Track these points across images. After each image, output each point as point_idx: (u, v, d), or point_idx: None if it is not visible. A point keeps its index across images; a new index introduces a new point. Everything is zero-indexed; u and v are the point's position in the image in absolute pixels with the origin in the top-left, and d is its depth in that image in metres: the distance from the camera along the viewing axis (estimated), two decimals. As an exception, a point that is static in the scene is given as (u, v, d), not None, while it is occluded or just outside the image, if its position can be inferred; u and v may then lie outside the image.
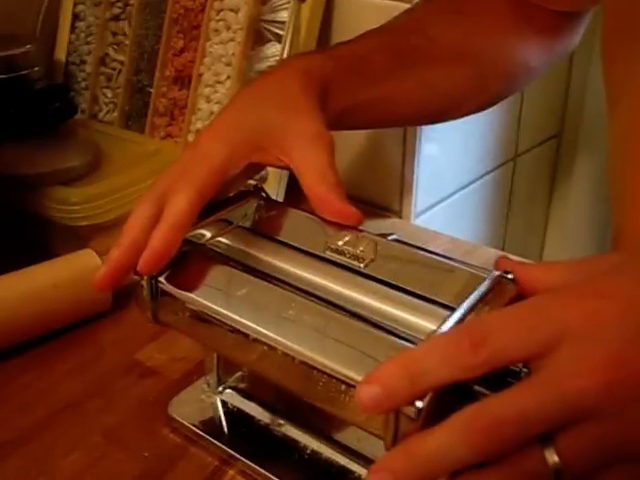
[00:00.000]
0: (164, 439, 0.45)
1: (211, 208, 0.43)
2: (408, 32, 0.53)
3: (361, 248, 0.39)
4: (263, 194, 0.45)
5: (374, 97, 0.50)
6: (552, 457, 0.28)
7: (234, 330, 0.36)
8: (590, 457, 0.28)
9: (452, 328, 0.31)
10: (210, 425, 0.44)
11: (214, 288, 0.38)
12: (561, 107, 0.89)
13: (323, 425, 0.43)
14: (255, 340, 0.35)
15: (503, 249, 0.87)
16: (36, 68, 0.74)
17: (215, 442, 0.43)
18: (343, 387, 0.32)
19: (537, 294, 0.34)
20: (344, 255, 0.39)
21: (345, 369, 0.32)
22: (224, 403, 0.46)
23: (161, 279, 0.39)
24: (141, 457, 0.43)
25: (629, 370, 0.28)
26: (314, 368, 0.33)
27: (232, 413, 0.45)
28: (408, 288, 0.36)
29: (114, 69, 0.78)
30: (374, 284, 0.37)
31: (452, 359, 0.29)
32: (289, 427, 0.43)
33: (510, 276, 0.35)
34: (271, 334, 0.34)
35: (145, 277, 0.39)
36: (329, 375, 0.32)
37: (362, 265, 0.38)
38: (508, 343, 0.29)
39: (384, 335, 0.33)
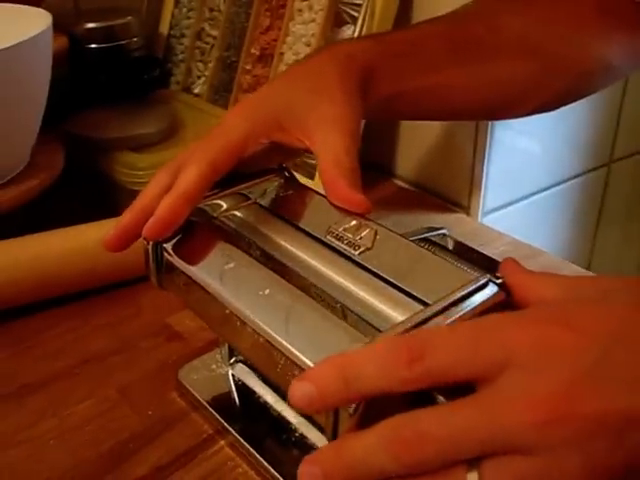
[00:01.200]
0: (170, 402, 0.46)
1: (235, 181, 0.44)
2: (469, 21, 0.51)
3: (360, 236, 0.38)
4: (287, 173, 0.45)
5: (425, 85, 0.48)
6: None
7: (215, 303, 0.36)
8: None
9: (397, 335, 0.30)
10: (212, 395, 0.45)
11: (209, 261, 0.39)
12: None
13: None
14: (231, 314, 0.35)
15: (589, 266, 0.81)
16: (135, 39, 0.78)
17: (212, 412, 0.44)
18: (297, 372, 0.32)
19: (528, 306, 0.32)
20: (342, 241, 0.38)
21: (300, 353, 0.32)
22: (231, 376, 0.47)
23: (166, 246, 0.40)
24: (145, 415, 0.45)
25: (570, 411, 0.26)
26: (275, 348, 0.33)
27: (236, 386, 0.46)
28: (392, 280, 0.35)
29: (207, 43, 0.80)
30: (361, 272, 0.36)
31: (387, 369, 0.28)
32: (285, 407, 0.43)
33: (499, 281, 0.34)
34: (242, 309, 0.35)
35: (150, 243, 0.40)
36: (286, 357, 0.32)
37: (356, 252, 0.37)
38: (447, 362, 0.28)
39: (349, 326, 0.33)
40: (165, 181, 0.41)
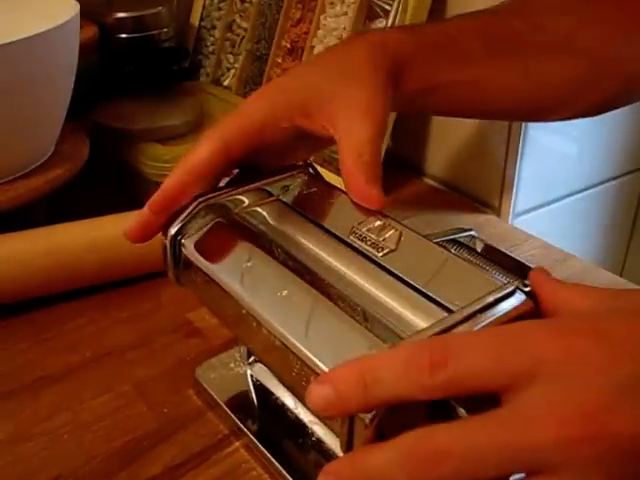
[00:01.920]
0: (187, 400, 0.45)
1: (258, 177, 0.42)
2: (510, 17, 0.48)
3: (384, 237, 0.37)
4: (311, 170, 0.43)
5: (460, 80, 0.45)
6: None
7: (232, 302, 0.35)
8: None
9: (420, 339, 0.29)
10: (229, 394, 0.44)
11: (227, 258, 0.38)
12: None
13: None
14: (247, 314, 0.34)
15: (622, 273, 0.79)
16: (165, 29, 0.77)
17: (228, 412, 0.43)
18: (312, 377, 0.30)
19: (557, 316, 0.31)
20: (365, 242, 0.37)
21: (317, 359, 0.30)
22: (250, 376, 0.46)
23: (184, 242, 0.39)
24: (161, 412, 0.44)
25: (601, 430, 0.24)
26: (291, 352, 0.31)
27: (254, 387, 0.45)
28: (416, 284, 0.33)
29: (238, 35, 0.79)
30: (384, 274, 0.34)
31: (408, 375, 0.27)
32: (302, 410, 0.42)
33: (527, 289, 0.32)
34: (259, 310, 0.33)
35: (168, 238, 0.39)
36: (302, 362, 0.31)
37: (380, 254, 0.36)
38: (472, 370, 0.26)
39: (368, 332, 0.31)
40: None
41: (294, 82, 0.42)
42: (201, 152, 0.39)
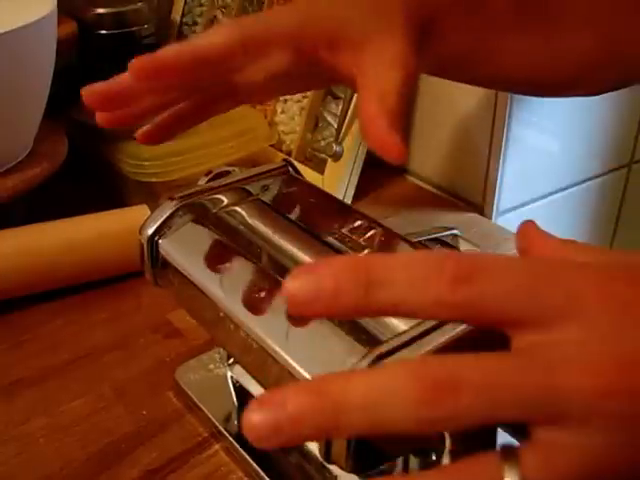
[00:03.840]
0: (166, 402, 0.45)
1: (237, 176, 0.42)
2: None
3: (364, 238, 0.36)
4: (291, 169, 0.43)
5: (487, 47, 0.43)
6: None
7: (209, 304, 0.35)
8: None
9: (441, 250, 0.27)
10: (209, 396, 0.44)
11: (206, 259, 0.37)
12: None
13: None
14: (225, 317, 0.34)
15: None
16: (146, 25, 0.76)
17: (208, 414, 0.42)
18: (292, 382, 0.30)
19: None
20: (344, 243, 0.36)
21: (295, 362, 0.30)
22: (230, 377, 0.45)
23: (161, 242, 0.39)
24: (139, 415, 0.44)
25: (636, 383, 0.22)
26: (270, 356, 0.31)
27: (234, 388, 0.44)
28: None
29: (220, 32, 0.78)
30: (363, 277, 0.34)
31: (425, 282, 0.22)
32: (283, 412, 0.42)
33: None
34: (236, 313, 0.33)
35: (145, 238, 0.39)
36: (281, 366, 0.30)
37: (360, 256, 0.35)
38: (499, 293, 0.22)
39: (346, 335, 0.31)
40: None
41: (323, 8, 0.38)
42: (214, 37, 0.34)
